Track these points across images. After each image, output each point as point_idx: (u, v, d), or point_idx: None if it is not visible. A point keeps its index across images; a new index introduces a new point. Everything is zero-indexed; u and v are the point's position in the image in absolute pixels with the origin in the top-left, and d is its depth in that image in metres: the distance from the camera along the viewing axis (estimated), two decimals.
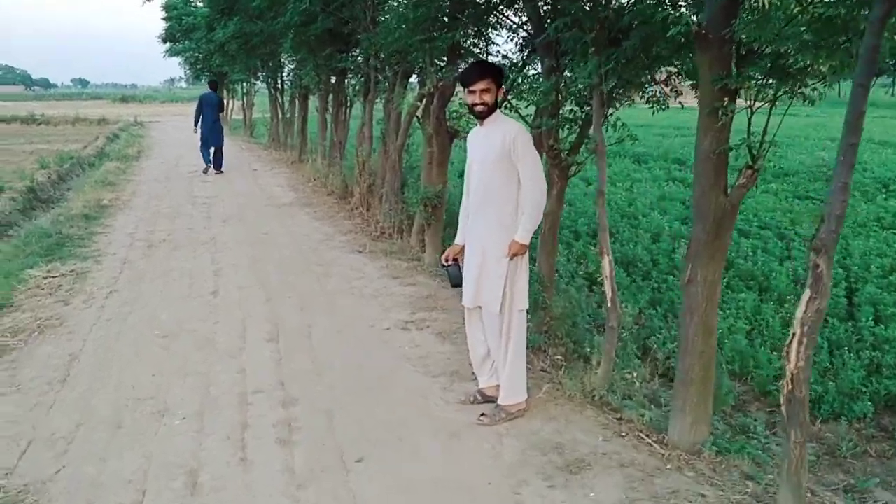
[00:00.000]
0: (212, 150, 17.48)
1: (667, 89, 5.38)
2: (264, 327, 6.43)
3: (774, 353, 6.11)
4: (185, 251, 9.31)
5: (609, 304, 5.06)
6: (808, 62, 3.91)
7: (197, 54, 29.35)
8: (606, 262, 5.04)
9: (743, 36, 3.85)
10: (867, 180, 13.84)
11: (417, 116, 9.41)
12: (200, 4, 25.68)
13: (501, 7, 7.38)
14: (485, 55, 8.49)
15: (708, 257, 4.21)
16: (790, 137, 21.77)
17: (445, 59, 8.26)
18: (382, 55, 10.25)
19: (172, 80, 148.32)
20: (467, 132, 8.63)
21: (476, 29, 7.56)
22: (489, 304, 4.55)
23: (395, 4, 8.89)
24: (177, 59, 37.38)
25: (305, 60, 15.23)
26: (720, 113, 4.04)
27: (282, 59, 20.46)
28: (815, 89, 4.09)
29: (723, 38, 3.97)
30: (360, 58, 13.40)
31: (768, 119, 4.16)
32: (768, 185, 13.75)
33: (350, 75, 14.78)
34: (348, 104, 15.18)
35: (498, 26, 7.60)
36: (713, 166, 4.15)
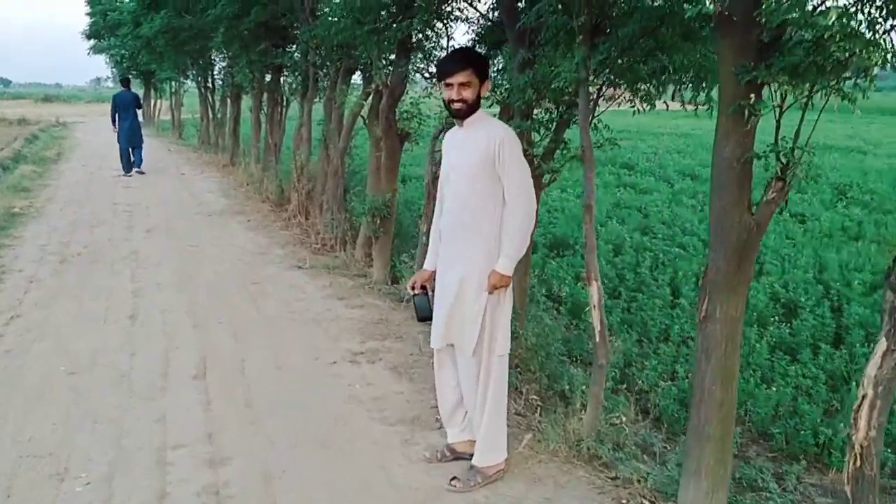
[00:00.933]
0: (132, 150, 16.71)
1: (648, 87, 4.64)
2: (191, 360, 5.51)
3: (766, 387, 5.43)
4: (102, 267, 8.27)
5: (597, 339, 4.30)
6: (852, 52, 3.20)
7: (123, 52, 28.01)
8: (595, 289, 4.28)
9: (773, 19, 3.12)
10: (824, 187, 13.44)
11: (363, 117, 8.55)
12: None
13: None
14: (438, 49, 7.69)
15: (728, 289, 3.46)
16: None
17: (395, 53, 7.42)
18: (323, 50, 9.36)
19: (99, 79, 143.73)
20: (419, 134, 7.86)
21: (431, 19, 6.74)
22: (462, 345, 3.74)
23: None
24: (103, 58, 35.80)
25: (238, 57, 14.27)
26: (746, 113, 3.31)
27: (212, 57, 19.41)
28: (856, 85, 3.38)
29: (751, 21, 3.24)
30: (297, 53, 12.56)
31: (801, 120, 3.44)
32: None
33: (286, 72, 13.90)
34: (284, 104, 14.29)
35: (455, 16, 6.79)
36: (736, 178, 3.40)
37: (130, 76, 22.34)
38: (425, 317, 3.90)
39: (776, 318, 6.58)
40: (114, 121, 16.79)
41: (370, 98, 8.43)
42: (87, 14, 30.79)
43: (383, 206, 7.66)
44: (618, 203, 12.10)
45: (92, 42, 32.24)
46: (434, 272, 3.95)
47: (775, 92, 3.43)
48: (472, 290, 3.67)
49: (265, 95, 14.91)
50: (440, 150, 7.06)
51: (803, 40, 3.34)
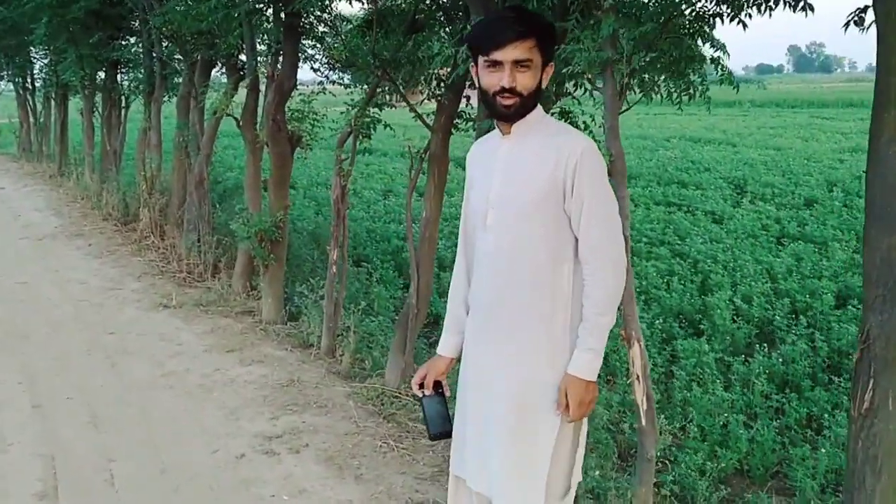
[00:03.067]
0: None
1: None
2: (31, 470, 3.88)
3: (749, 426, 4.40)
4: None
5: (643, 422, 3.08)
6: None
7: None
8: (637, 354, 3.06)
9: None
10: (721, 182, 12.89)
11: (235, 118, 7.00)
12: None
13: None
14: (333, 35, 6.27)
15: None
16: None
17: (282, 38, 5.94)
18: (184, 37, 7.70)
19: None
20: (312, 138, 6.41)
21: None
22: (509, 498, 2.38)
23: None
24: None
25: (65, 52, 12.20)
26: None
27: (31, 54, 16.95)
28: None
29: None
30: (139, 45, 10.75)
31: None
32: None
33: (125, 68, 12.01)
34: (124, 104, 12.36)
35: None
36: None
37: None
38: (440, 433, 2.52)
39: (758, 344, 5.61)
40: None
41: (247, 95, 6.90)
42: None
43: (273, 227, 6.16)
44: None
45: None
46: (452, 361, 2.58)
47: None
48: (530, 408, 2.33)
49: (99, 95, 12.91)
50: (347, 158, 5.70)
51: None
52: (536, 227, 2.27)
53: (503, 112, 2.27)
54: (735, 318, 6.22)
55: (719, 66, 3.43)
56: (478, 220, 2.40)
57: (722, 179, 13.21)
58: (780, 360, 5.33)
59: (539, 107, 2.34)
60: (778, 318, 6.05)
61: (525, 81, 2.22)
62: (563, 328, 2.30)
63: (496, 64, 2.22)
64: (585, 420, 2.41)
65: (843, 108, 38.74)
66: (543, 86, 2.30)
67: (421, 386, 2.53)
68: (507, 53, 2.19)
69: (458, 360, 2.56)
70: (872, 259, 2.31)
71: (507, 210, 2.31)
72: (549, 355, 2.30)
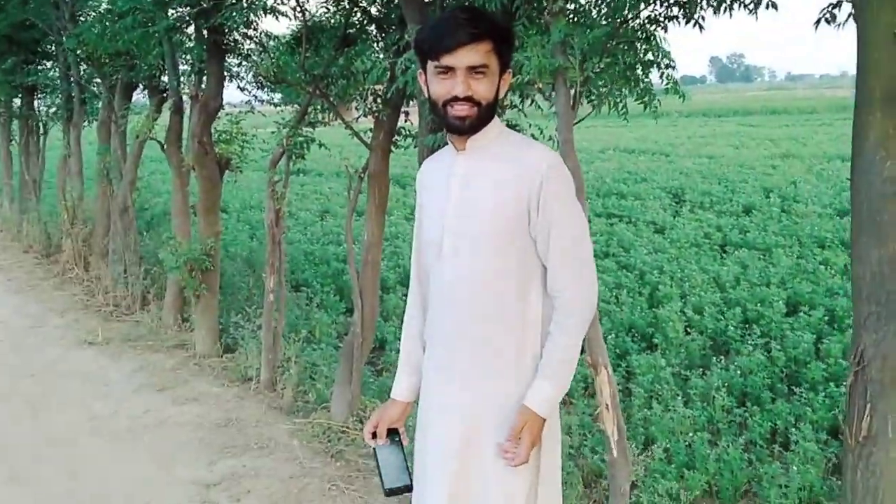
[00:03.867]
0: None
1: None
2: None
3: (714, 444, 4.23)
4: None
5: (615, 453, 2.86)
6: None
7: None
8: (605, 379, 2.85)
9: None
10: (659, 191, 12.87)
11: (159, 142, 6.63)
12: None
13: None
14: (258, 53, 5.97)
15: None
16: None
17: (207, 56, 5.62)
18: (101, 59, 7.30)
19: None
20: (242, 160, 6.09)
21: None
22: None
23: None
24: None
25: None
26: None
27: None
28: None
29: None
30: (55, 70, 10.28)
31: None
32: None
33: (42, 93, 11.49)
34: (42, 131, 11.82)
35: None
36: None
37: None
38: (400, 487, 2.24)
39: (713, 355, 5.47)
40: None
41: (169, 118, 6.55)
42: None
43: (204, 255, 5.81)
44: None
45: None
46: (409, 405, 2.31)
47: None
48: (491, 446, 2.06)
49: (15, 122, 12.35)
50: (280, 180, 5.40)
51: None
52: (499, 254, 2.02)
53: (456, 125, 1.99)
54: (688, 329, 6.08)
55: (664, 76, 3.25)
56: (432, 249, 2.13)
57: (660, 189, 13.19)
58: (738, 371, 5.18)
59: (496, 119, 2.08)
60: (731, 328, 5.92)
61: (481, 89, 1.95)
62: (533, 362, 2.06)
63: (447, 70, 1.94)
64: (557, 445, 2.17)
65: (768, 115, 39.72)
66: (501, 95, 2.04)
67: (374, 436, 2.25)
68: (460, 58, 1.92)
69: (416, 402, 2.29)
70: (862, 273, 2.13)
71: (464, 237, 2.05)
72: (519, 396, 2.05)
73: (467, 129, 2.00)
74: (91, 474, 4.04)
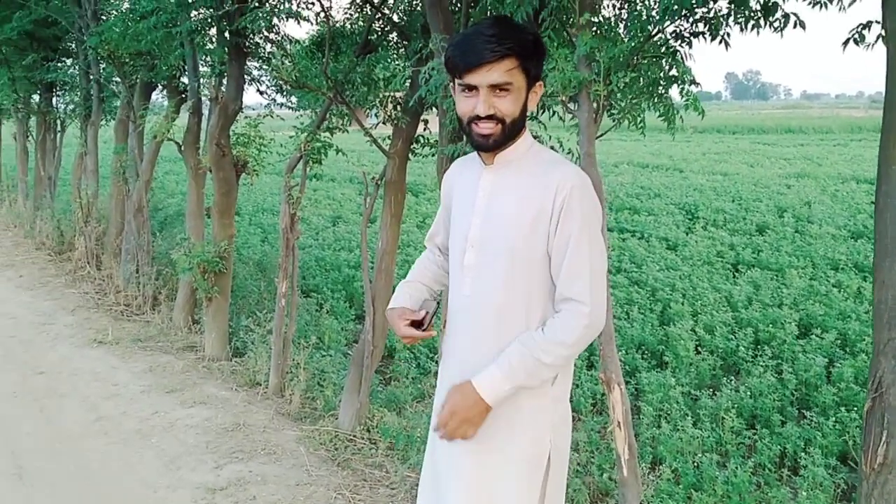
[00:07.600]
0: None
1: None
2: None
3: (723, 466, 4.19)
4: None
5: (625, 473, 2.84)
6: None
7: None
8: (618, 397, 2.82)
9: None
10: (672, 208, 12.81)
11: (176, 142, 6.65)
12: None
13: None
14: (282, 56, 5.98)
15: None
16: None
17: (227, 59, 5.63)
18: (122, 58, 7.33)
19: None
20: (259, 163, 6.09)
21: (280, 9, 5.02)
22: None
23: None
24: None
25: None
26: None
27: None
28: None
29: None
30: (76, 67, 10.34)
31: None
32: None
33: (60, 91, 11.56)
34: (59, 129, 11.88)
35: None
36: None
37: None
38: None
39: (723, 376, 5.44)
40: None
41: (189, 119, 6.57)
42: None
43: (217, 258, 5.82)
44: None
45: None
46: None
47: None
48: (511, 459, 2.05)
49: (33, 119, 12.43)
50: (297, 185, 5.39)
51: None
52: (518, 270, 2.00)
53: (480, 142, 1.98)
54: (699, 349, 6.04)
55: (684, 91, 3.21)
56: (455, 257, 2.13)
57: (673, 205, 13.15)
58: (748, 393, 5.15)
59: (527, 133, 2.06)
60: (742, 348, 5.88)
61: (504, 107, 1.93)
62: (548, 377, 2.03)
63: (471, 88, 1.93)
64: (564, 466, 2.15)
65: (783, 133, 39.60)
66: (530, 110, 2.03)
67: (420, 325, 2.12)
68: (482, 77, 1.91)
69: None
70: (884, 297, 2.10)
71: (486, 252, 2.03)
72: (531, 409, 2.02)
73: (491, 146, 2.00)
74: (98, 474, 4.04)
